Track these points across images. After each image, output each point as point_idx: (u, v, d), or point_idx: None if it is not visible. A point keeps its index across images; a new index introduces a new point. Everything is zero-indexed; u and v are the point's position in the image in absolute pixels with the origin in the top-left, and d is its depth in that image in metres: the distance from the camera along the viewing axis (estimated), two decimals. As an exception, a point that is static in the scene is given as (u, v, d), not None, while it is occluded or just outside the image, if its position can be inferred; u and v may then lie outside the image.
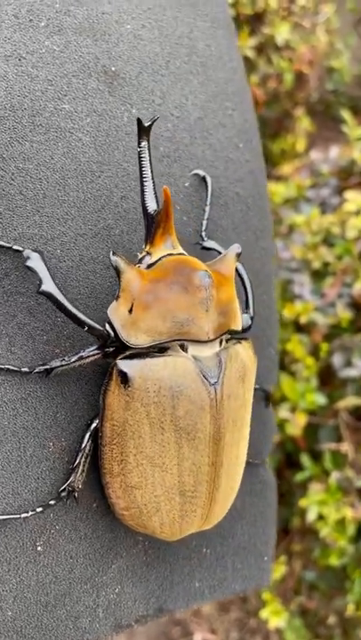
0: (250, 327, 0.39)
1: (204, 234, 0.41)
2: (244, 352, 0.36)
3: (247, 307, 0.40)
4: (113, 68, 0.40)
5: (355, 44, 1.79)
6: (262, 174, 0.47)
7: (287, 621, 1.03)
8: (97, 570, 0.37)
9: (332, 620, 1.03)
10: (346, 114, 1.18)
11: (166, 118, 0.42)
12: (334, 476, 0.89)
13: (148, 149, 0.35)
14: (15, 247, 0.34)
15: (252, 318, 0.40)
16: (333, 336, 0.94)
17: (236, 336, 0.37)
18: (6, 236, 0.35)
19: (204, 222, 0.42)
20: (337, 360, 0.90)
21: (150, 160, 0.36)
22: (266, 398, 0.45)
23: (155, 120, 0.35)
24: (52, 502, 0.35)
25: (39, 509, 0.34)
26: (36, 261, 0.33)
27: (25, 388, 0.34)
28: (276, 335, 0.46)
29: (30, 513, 0.34)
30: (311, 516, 0.91)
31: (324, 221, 0.99)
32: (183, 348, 0.34)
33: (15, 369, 0.34)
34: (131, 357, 0.34)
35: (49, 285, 0.33)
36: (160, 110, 0.41)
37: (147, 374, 0.33)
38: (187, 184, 0.42)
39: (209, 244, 0.41)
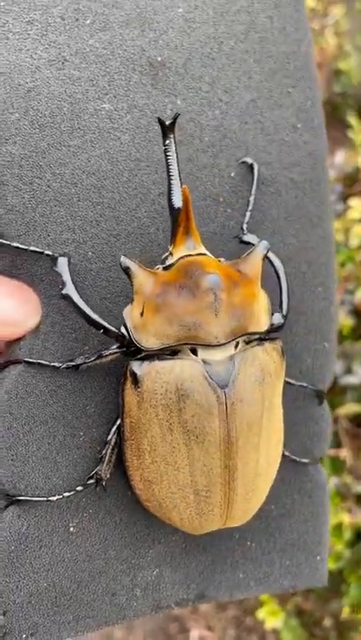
0: (282, 326, 0.38)
1: (245, 226, 0.40)
2: (264, 355, 0.35)
3: (281, 304, 0.39)
4: (159, 58, 0.40)
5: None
6: (323, 156, 0.44)
7: (284, 621, 1.05)
8: (133, 553, 0.39)
9: (327, 622, 1.04)
10: (352, 119, 1.18)
11: (213, 105, 0.40)
12: (332, 482, 0.90)
13: (175, 147, 0.35)
14: (47, 252, 0.36)
15: (284, 317, 0.38)
16: (335, 343, 0.95)
17: (264, 337, 0.36)
18: (41, 243, 0.36)
19: (247, 214, 0.40)
20: (338, 367, 0.91)
21: (177, 158, 0.36)
22: (318, 396, 0.43)
23: (176, 118, 0.35)
24: (79, 488, 0.37)
25: (67, 494, 0.36)
26: (61, 266, 0.35)
27: (55, 381, 0.36)
28: (332, 329, 0.44)
29: (57, 497, 0.36)
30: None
31: (329, 228, 1.00)
32: (194, 352, 0.34)
33: (46, 363, 0.36)
34: (143, 359, 0.34)
35: (70, 289, 0.35)
36: (207, 97, 0.40)
37: (155, 376, 0.33)
38: (233, 174, 0.41)
39: (248, 237, 0.40)
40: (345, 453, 0.91)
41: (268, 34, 0.43)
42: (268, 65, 0.42)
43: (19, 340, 0.37)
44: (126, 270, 0.34)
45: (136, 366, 0.34)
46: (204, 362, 0.34)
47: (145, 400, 0.34)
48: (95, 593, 0.38)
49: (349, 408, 0.91)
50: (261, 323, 0.35)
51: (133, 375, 0.34)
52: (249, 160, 0.41)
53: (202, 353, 0.34)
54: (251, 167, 0.41)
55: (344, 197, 1.06)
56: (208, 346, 0.33)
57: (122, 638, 1.43)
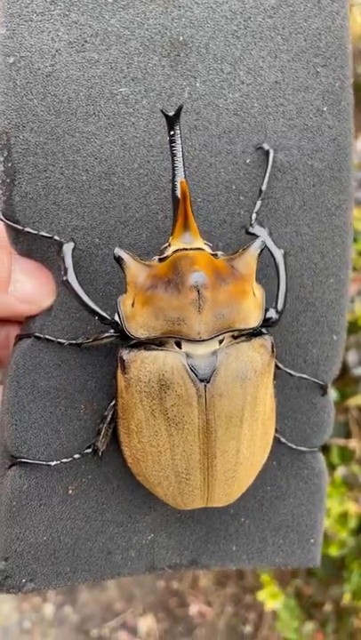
0: (276, 322, 0.39)
1: (254, 216, 0.40)
2: (250, 351, 0.36)
3: (276, 300, 0.39)
4: (181, 38, 0.39)
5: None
6: (348, 140, 0.42)
7: (283, 603, 1.06)
8: (129, 517, 0.42)
9: (328, 607, 1.06)
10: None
11: (234, 87, 0.39)
12: (340, 471, 0.91)
13: (180, 139, 0.35)
14: (55, 238, 0.37)
15: (279, 313, 0.39)
16: (349, 332, 0.95)
17: (255, 332, 0.37)
18: (52, 229, 0.38)
19: (258, 203, 0.40)
20: (351, 358, 0.90)
21: (182, 149, 0.35)
22: (321, 387, 0.44)
23: (180, 109, 0.34)
24: (76, 456, 0.39)
25: (65, 460, 0.39)
26: (66, 253, 0.37)
27: (60, 356, 0.39)
28: (340, 321, 0.44)
29: (55, 462, 0.39)
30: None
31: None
32: (179, 345, 0.35)
33: (52, 339, 0.38)
34: (133, 347, 0.36)
35: (70, 276, 0.37)
36: (228, 79, 0.39)
37: (140, 365, 0.35)
38: (248, 160, 0.40)
39: (254, 229, 0.40)
40: (354, 444, 0.91)
41: (301, 7, 0.40)
42: (297, 43, 0.40)
43: (34, 316, 0.39)
44: (119, 261, 0.35)
45: (125, 353, 0.36)
46: (188, 355, 0.35)
47: (131, 385, 0.36)
48: (92, 550, 0.41)
49: (360, 399, 0.91)
50: (251, 319, 0.36)
51: (122, 361, 0.36)
52: (266, 146, 0.40)
53: (186, 346, 0.35)
54: (267, 153, 0.40)
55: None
56: (191, 340, 0.34)
57: (122, 610, 1.46)
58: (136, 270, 0.35)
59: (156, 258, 0.36)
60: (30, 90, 0.37)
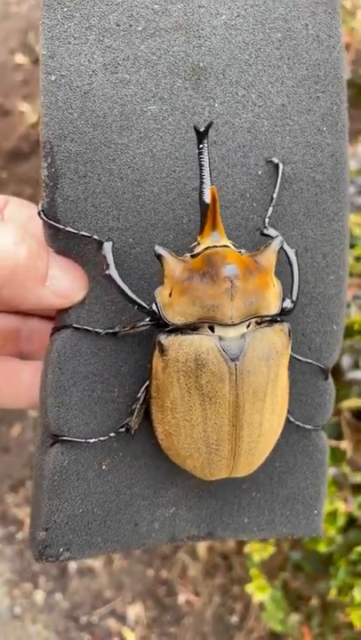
0: (291, 311, 0.43)
1: (267, 220, 0.45)
2: (272, 335, 0.41)
3: (291, 291, 0.44)
4: (201, 64, 0.44)
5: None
6: (344, 156, 0.48)
7: (270, 595, 1.09)
8: (154, 492, 0.46)
9: (314, 601, 1.09)
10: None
11: (247, 109, 0.45)
12: (331, 471, 0.93)
13: (207, 151, 0.40)
14: (94, 237, 0.42)
15: (294, 302, 0.44)
16: (344, 337, 0.97)
17: (273, 319, 0.42)
18: (90, 229, 0.41)
19: (270, 209, 0.45)
20: (346, 361, 0.93)
21: (208, 159, 0.40)
22: (323, 372, 0.49)
23: (210, 125, 0.39)
24: (112, 435, 0.44)
25: (102, 438, 0.43)
26: (106, 250, 0.41)
27: (97, 344, 0.43)
28: (340, 313, 0.49)
29: (93, 440, 0.43)
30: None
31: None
32: (212, 329, 0.40)
33: (90, 329, 0.43)
34: (170, 332, 0.40)
35: (112, 270, 0.40)
36: (242, 101, 0.44)
37: (178, 347, 0.40)
38: (260, 172, 0.45)
39: (268, 231, 0.45)
40: (346, 445, 0.93)
41: (303, 41, 0.46)
42: (300, 71, 0.46)
43: (67, 309, 0.43)
44: (159, 257, 0.39)
45: (163, 338, 0.40)
46: (220, 338, 0.39)
47: (169, 366, 0.40)
48: (120, 522, 0.45)
49: (354, 402, 0.93)
50: (272, 307, 0.41)
51: (160, 345, 0.40)
52: (275, 160, 0.45)
53: (218, 330, 0.39)
54: (276, 166, 0.45)
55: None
56: (224, 324, 0.39)
57: (112, 597, 1.49)
58: (173, 265, 0.39)
59: (188, 255, 0.41)
60: (70, 105, 0.41)
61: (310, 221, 0.47)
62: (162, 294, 0.40)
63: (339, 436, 0.96)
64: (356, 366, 0.93)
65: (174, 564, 1.51)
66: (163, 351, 0.40)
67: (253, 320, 0.40)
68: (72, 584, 1.51)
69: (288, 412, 0.47)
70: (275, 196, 0.45)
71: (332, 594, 0.98)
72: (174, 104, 0.43)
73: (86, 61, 0.41)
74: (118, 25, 0.42)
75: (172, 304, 0.39)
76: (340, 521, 0.96)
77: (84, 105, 0.41)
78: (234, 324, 0.39)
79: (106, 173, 0.42)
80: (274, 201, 0.45)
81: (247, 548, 1.08)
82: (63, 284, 0.41)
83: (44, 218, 0.41)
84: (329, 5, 0.47)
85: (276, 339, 0.41)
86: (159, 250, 0.39)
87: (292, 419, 0.48)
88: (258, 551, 1.05)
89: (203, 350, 0.39)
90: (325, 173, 0.47)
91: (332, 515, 0.95)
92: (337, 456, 0.95)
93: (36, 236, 0.41)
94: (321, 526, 0.51)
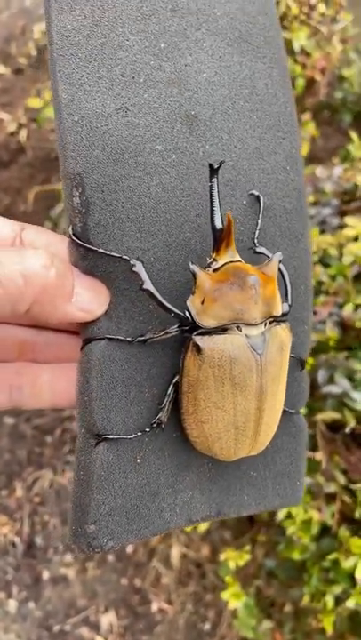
0: (288, 312, 0.51)
1: (256, 241, 0.53)
2: (282, 331, 0.49)
3: (286, 297, 0.52)
4: (192, 112, 0.51)
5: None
6: (303, 190, 0.58)
7: (243, 601, 1.12)
8: (175, 479, 0.51)
9: (287, 607, 1.12)
10: (354, 134, 1.22)
11: (231, 150, 0.53)
12: (306, 482, 0.97)
13: (217, 184, 0.47)
14: (124, 257, 0.47)
15: (290, 306, 0.52)
16: (320, 352, 1.01)
17: (278, 319, 0.49)
18: (118, 249, 0.47)
19: (257, 232, 0.53)
20: (321, 376, 0.97)
21: (218, 191, 0.47)
22: (300, 364, 0.57)
23: (222, 164, 0.47)
24: (147, 430, 0.49)
25: (139, 433, 0.48)
26: (139, 267, 0.46)
27: (128, 352, 0.48)
28: (309, 316, 0.58)
29: (133, 435, 0.48)
30: (281, 514, 0.99)
31: (323, 242, 1.04)
32: (239, 329, 0.46)
33: (123, 338, 0.48)
34: (202, 334, 0.47)
35: (148, 285, 0.46)
36: (226, 144, 0.53)
37: (213, 346, 0.47)
38: (245, 202, 0.53)
39: (260, 249, 0.53)
40: (320, 456, 0.97)
41: (265, 97, 0.55)
42: (266, 121, 0.55)
43: (96, 322, 0.48)
44: (193, 273, 0.46)
45: (198, 339, 0.47)
46: (246, 336, 0.47)
47: (205, 363, 0.47)
48: (150, 509, 0.50)
49: (328, 415, 0.97)
50: (280, 309, 0.49)
51: (196, 345, 0.47)
52: (255, 192, 0.54)
53: (244, 330, 0.47)
54: (258, 198, 0.54)
55: (340, 212, 1.10)
56: (249, 325, 0.46)
57: (85, 606, 1.50)
58: (203, 278, 0.46)
59: (210, 269, 0.47)
60: (93, 142, 0.46)
61: (284, 241, 0.55)
62: (194, 302, 0.47)
63: (314, 447, 1.00)
64: (330, 380, 0.97)
65: (148, 573, 1.53)
66: (199, 350, 0.47)
67: (268, 320, 0.48)
68: (45, 593, 1.51)
69: None
70: (259, 221, 0.53)
71: (305, 600, 1.02)
72: (176, 145, 0.50)
73: (101, 106, 0.47)
74: (123, 76, 0.48)
75: (205, 310, 0.46)
76: (314, 529, 1.00)
77: (104, 143, 0.47)
78: (256, 324, 0.46)
79: (128, 202, 0.47)
80: (259, 225, 0.53)
81: (223, 556, 1.11)
82: (86, 299, 0.46)
83: (78, 240, 0.46)
84: (282, 69, 0.56)
85: (284, 335, 0.49)
86: (193, 268, 0.46)
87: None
88: (233, 558, 1.08)
89: (235, 347, 0.46)
90: (292, 203, 0.56)
91: (307, 523, 0.99)
92: (312, 466, 0.98)
93: (61, 258, 0.45)
94: (301, 496, 0.59)
